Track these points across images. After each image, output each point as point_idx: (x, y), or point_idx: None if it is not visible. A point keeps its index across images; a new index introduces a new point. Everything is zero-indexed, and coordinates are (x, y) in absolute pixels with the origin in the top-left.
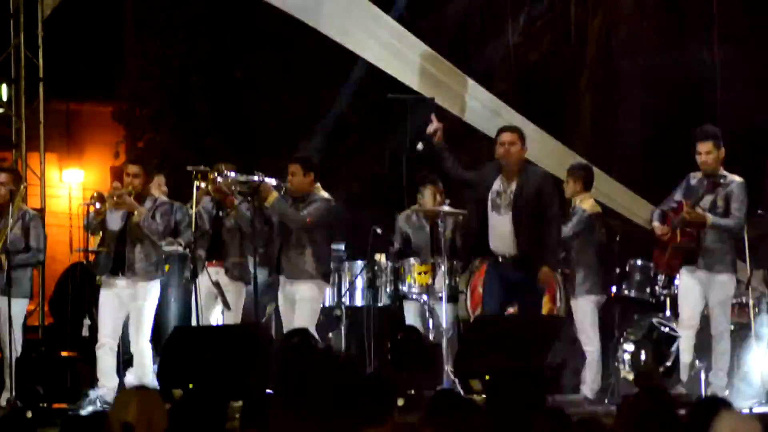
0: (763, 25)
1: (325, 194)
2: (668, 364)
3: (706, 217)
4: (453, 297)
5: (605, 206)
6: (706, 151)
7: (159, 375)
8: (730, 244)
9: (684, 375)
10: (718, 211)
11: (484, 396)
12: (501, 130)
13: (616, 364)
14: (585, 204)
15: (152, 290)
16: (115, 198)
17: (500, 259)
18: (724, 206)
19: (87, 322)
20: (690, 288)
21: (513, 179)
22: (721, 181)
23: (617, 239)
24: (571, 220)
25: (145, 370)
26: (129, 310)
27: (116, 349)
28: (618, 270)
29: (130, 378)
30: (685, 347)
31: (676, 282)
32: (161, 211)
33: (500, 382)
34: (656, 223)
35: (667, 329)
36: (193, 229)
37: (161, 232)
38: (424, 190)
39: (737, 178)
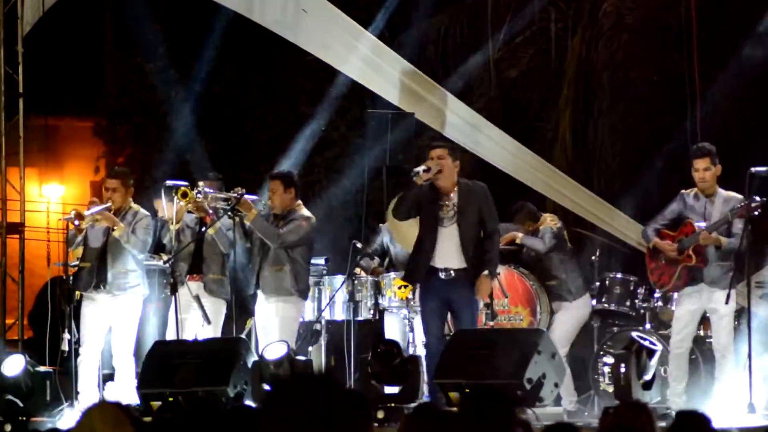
0: (742, 41)
1: (306, 212)
2: (648, 377)
3: (721, 240)
4: None
5: (585, 220)
6: (704, 168)
7: (139, 389)
8: (731, 260)
9: (676, 404)
10: (722, 231)
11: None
12: (431, 147)
13: (596, 376)
14: (547, 224)
15: (134, 304)
16: (95, 216)
17: (442, 275)
18: (727, 225)
19: (66, 336)
20: (689, 311)
21: (450, 192)
22: (740, 205)
23: (597, 253)
24: (543, 239)
25: (128, 384)
26: (111, 324)
27: (98, 363)
28: (598, 283)
29: (110, 392)
30: (679, 374)
31: (656, 295)
32: (142, 225)
33: (470, 399)
34: (657, 239)
35: (647, 342)
36: (174, 244)
37: (141, 247)
38: None
39: (738, 196)
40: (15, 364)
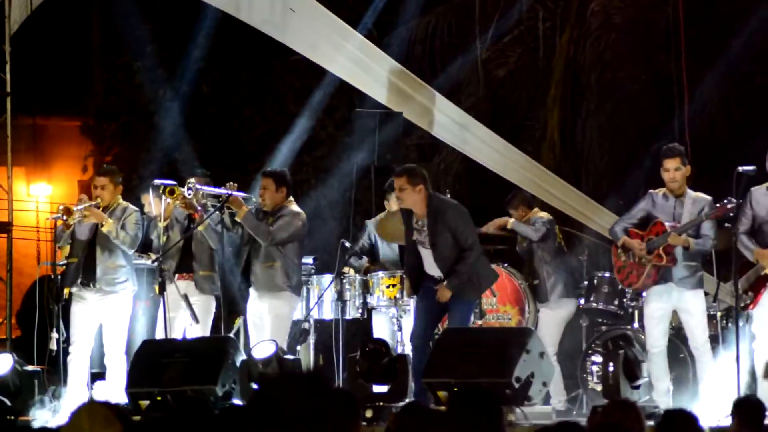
0: (729, 40)
1: (296, 208)
2: (636, 375)
3: (689, 242)
4: None
5: (573, 219)
6: (674, 168)
7: (127, 388)
8: (699, 261)
9: (664, 403)
10: (690, 232)
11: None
12: (394, 174)
13: (584, 375)
14: (540, 214)
15: (124, 302)
16: (83, 212)
17: (434, 279)
18: (696, 226)
19: (54, 335)
20: (658, 309)
21: (422, 216)
22: (705, 209)
23: (585, 252)
24: (533, 226)
25: (119, 383)
26: (101, 322)
27: (88, 361)
28: (586, 282)
29: (100, 391)
30: (659, 373)
31: (644, 294)
32: (132, 220)
33: (459, 398)
34: (626, 237)
35: (635, 341)
36: (162, 239)
37: (131, 241)
38: (390, 197)
39: (707, 197)
40: (2, 364)
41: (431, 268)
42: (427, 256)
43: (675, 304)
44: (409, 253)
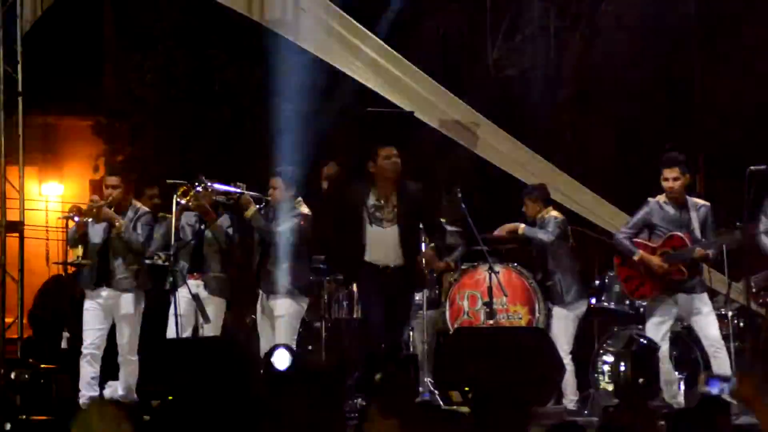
0: (742, 40)
1: (304, 209)
2: (647, 375)
3: (709, 255)
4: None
5: (585, 219)
6: (673, 177)
7: (138, 387)
8: (701, 266)
9: (674, 404)
10: (698, 238)
11: (465, 407)
12: (385, 145)
13: (595, 375)
14: (552, 213)
15: (136, 301)
16: (93, 211)
17: (380, 268)
18: (700, 231)
19: (66, 334)
20: (664, 313)
21: (391, 193)
22: (709, 217)
23: (597, 252)
24: (547, 228)
25: (131, 382)
26: (115, 321)
27: (99, 361)
28: (597, 282)
29: (111, 391)
30: (667, 375)
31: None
32: (143, 222)
33: (488, 394)
34: (645, 254)
35: (645, 341)
36: (173, 242)
37: (142, 243)
38: None
39: (706, 203)
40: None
41: (386, 250)
42: (380, 236)
43: (682, 309)
44: (351, 235)
